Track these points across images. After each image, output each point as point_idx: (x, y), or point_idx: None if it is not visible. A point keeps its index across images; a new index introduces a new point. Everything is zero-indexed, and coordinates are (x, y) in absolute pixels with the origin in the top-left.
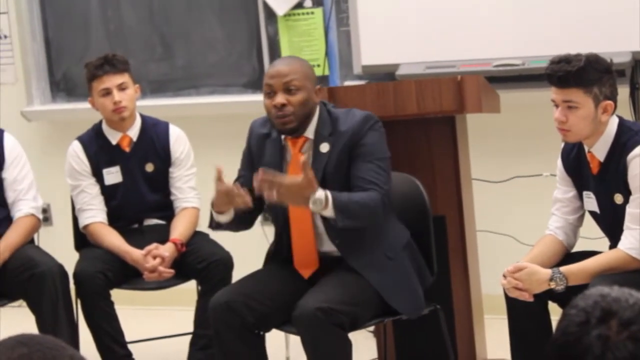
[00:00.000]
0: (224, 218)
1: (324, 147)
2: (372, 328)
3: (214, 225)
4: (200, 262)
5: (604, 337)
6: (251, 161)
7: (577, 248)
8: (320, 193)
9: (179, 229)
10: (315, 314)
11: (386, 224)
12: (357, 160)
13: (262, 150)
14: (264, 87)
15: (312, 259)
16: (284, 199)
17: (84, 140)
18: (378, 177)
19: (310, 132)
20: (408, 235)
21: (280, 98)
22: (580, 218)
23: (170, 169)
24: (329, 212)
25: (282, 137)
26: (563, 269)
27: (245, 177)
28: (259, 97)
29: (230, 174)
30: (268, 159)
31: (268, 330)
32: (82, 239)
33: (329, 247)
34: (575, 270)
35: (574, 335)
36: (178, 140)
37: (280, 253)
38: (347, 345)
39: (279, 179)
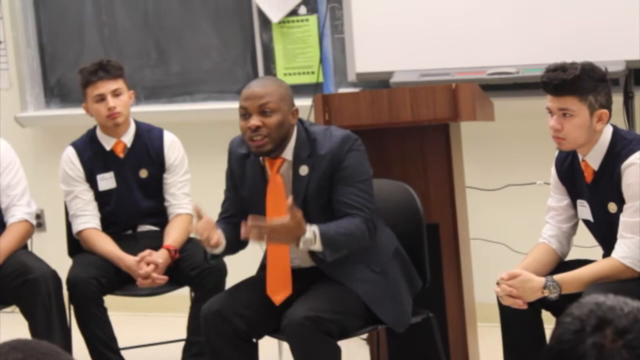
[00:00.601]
0: (217, 250)
1: (303, 170)
2: (365, 336)
3: (210, 257)
4: (193, 269)
5: (599, 345)
6: (233, 179)
7: (570, 256)
8: (309, 233)
9: (173, 236)
10: (303, 323)
11: (372, 239)
12: (338, 184)
13: (243, 170)
14: (239, 109)
15: (285, 284)
16: (274, 242)
17: (77, 146)
18: (361, 200)
19: (288, 154)
20: (396, 243)
21: (255, 120)
22: (574, 226)
23: (164, 175)
24: (317, 247)
25: (260, 157)
26: (557, 277)
27: (230, 200)
28: None
29: (223, 181)
30: (250, 181)
31: (260, 337)
32: (76, 244)
33: (305, 262)
34: (568, 278)
35: (569, 343)
36: (172, 147)
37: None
38: (336, 353)
39: (268, 223)
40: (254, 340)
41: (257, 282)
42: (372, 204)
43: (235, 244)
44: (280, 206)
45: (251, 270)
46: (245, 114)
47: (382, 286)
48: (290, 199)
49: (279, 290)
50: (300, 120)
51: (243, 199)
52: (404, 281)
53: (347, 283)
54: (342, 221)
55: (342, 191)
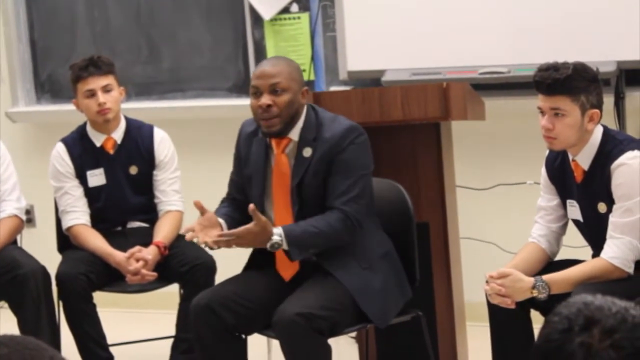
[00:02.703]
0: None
1: (307, 152)
2: (354, 334)
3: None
4: (183, 266)
5: (587, 344)
6: (239, 162)
7: (560, 256)
8: (276, 236)
9: (163, 232)
10: (294, 320)
11: (363, 235)
12: (333, 174)
13: (250, 148)
14: (250, 87)
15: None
16: (242, 247)
17: (67, 142)
18: (349, 194)
19: (295, 134)
20: (390, 245)
21: (265, 99)
22: (564, 226)
23: (154, 172)
24: (285, 247)
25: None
26: (546, 277)
27: (234, 184)
28: (244, 101)
29: (215, 178)
30: (254, 158)
31: (249, 333)
32: (65, 240)
33: None
34: (558, 278)
35: (557, 342)
36: (162, 143)
37: (261, 257)
38: (327, 351)
39: (233, 232)
40: (243, 336)
41: (246, 278)
42: (362, 199)
43: (236, 224)
44: (284, 185)
45: (240, 268)
46: (256, 92)
47: (368, 280)
48: (251, 206)
49: (287, 266)
50: (312, 105)
51: (245, 179)
52: (392, 284)
53: (337, 274)
54: (317, 218)
55: (334, 182)
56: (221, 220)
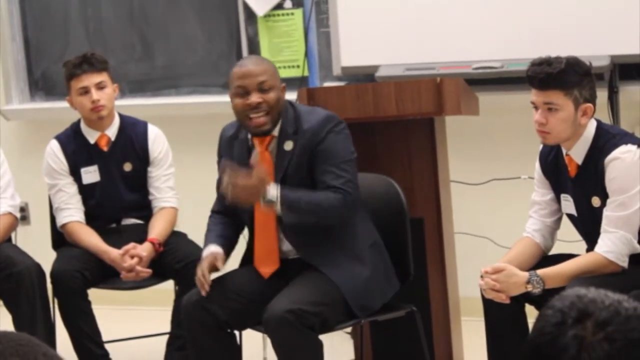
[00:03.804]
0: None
1: (288, 145)
2: (349, 329)
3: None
4: (177, 262)
5: (580, 337)
6: None
7: (554, 251)
8: (273, 191)
9: (157, 229)
10: (284, 317)
11: (350, 224)
12: (319, 164)
13: (231, 151)
14: (233, 88)
15: (273, 258)
16: (237, 197)
17: (61, 139)
18: (341, 179)
19: (275, 130)
20: (376, 235)
21: (255, 97)
22: (558, 221)
23: (149, 169)
24: (278, 208)
25: (249, 136)
26: (540, 272)
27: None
28: None
29: (209, 174)
30: (237, 160)
31: (242, 329)
32: (60, 238)
33: (288, 247)
34: (552, 273)
35: (550, 335)
36: (156, 140)
37: (252, 254)
38: (318, 347)
39: (235, 178)
40: (235, 332)
41: (239, 275)
42: (353, 183)
43: (232, 243)
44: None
45: (234, 265)
46: (243, 92)
47: (355, 272)
48: (254, 158)
49: (266, 263)
50: (289, 101)
51: None
52: (380, 274)
53: (324, 269)
54: (316, 192)
55: (322, 171)
56: (219, 251)
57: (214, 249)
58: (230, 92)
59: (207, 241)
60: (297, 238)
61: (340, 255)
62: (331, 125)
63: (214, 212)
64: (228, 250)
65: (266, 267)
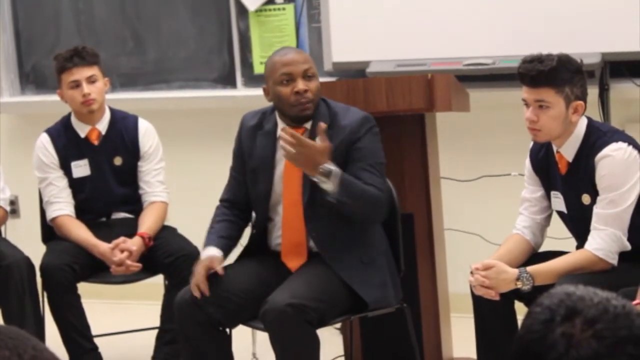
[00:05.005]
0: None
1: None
2: (338, 325)
3: None
4: (167, 257)
5: (568, 334)
6: (242, 157)
7: (544, 248)
8: (331, 164)
9: (147, 223)
10: (285, 310)
11: (368, 229)
12: (355, 163)
13: (254, 142)
14: (277, 76)
15: (301, 251)
16: (296, 159)
17: (52, 132)
18: (377, 179)
19: (308, 123)
20: (387, 242)
21: (301, 84)
22: (548, 218)
23: (139, 163)
24: (330, 185)
25: (278, 128)
26: (530, 268)
27: (235, 182)
28: (229, 92)
29: (199, 169)
30: (259, 152)
31: (234, 326)
32: (50, 231)
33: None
34: (542, 270)
35: (539, 332)
36: (147, 134)
37: (254, 247)
38: (316, 342)
39: (302, 139)
40: (228, 330)
41: (232, 271)
42: (384, 188)
43: (233, 244)
44: (296, 175)
45: (227, 260)
46: (288, 79)
47: (367, 272)
48: (322, 124)
49: (295, 257)
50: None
51: (249, 173)
52: (389, 281)
53: (334, 266)
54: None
55: (359, 168)
56: (218, 256)
57: (213, 252)
58: (270, 82)
59: (208, 241)
60: (316, 231)
61: (356, 259)
62: (370, 125)
63: (222, 201)
64: (227, 251)
65: (294, 261)
